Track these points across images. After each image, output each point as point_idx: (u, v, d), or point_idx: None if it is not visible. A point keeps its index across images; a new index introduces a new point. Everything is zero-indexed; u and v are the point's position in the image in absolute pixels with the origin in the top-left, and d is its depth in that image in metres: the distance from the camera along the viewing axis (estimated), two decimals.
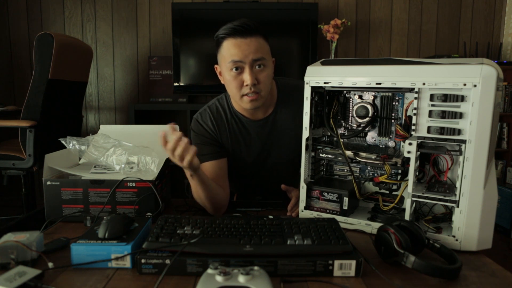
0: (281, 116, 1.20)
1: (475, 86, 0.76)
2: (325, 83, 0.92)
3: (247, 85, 1.07)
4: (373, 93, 0.98)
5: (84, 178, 0.99)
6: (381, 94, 0.97)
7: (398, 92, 0.95)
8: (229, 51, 1.06)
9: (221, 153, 1.17)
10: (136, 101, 2.97)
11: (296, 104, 1.19)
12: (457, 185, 0.81)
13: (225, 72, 1.10)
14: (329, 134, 1.04)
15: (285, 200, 1.10)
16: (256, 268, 0.60)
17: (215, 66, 1.18)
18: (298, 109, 1.19)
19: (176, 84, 2.71)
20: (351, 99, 1.02)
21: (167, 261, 0.68)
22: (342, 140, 0.99)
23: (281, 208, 1.07)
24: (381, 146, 1.00)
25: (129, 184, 0.96)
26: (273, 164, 1.21)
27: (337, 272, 0.68)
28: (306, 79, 0.94)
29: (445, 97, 0.79)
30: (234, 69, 1.07)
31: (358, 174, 1.02)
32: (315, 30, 2.68)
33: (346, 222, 0.93)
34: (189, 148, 0.89)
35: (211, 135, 1.19)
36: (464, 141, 0.78)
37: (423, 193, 0.83)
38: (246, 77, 1.06)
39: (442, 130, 0.80)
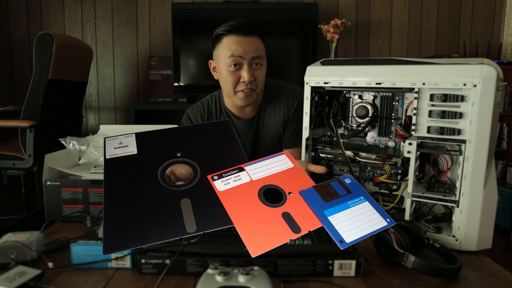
0: (264, 115, 1.24)
1: (475, 86, 0.76)
2: (325, 83, 0.92)
3: (243, 81, 1.11)
4: (373, 93, 0.98)
5: (84, 178, 0.98)
6: (381, 94, 0.97)
7: (398, 92, 0.95)
8: (230, 46, 1.10)
9: None
10: (136, 101, 2.97)
11: (277, 104, 1.25)
12: (457, 185, 0.81)
13: (222, 67, 1.13)
14: (329, 134, 1.04)
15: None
16: (256, 268, 0.60)
17: (210, 61, 1.21)
18: (277, 108, 1.23)
19: (176, 84, 2.71)
20: (351, 99, 1.02)
21: (167, 261, 0.68)
22: (342, 140, 0.99)
23: None
24: (381, 146, 1.00)
25: None
26: None
27: (337, 272, 0.68)
28: (306, 79, 0.94)
29: (445, 97, 0.79)
30: (233, 65, 1.10)
31: (358, 174, 1.02)
32: (315, 30, 2.68)
33: None
34: None
35: None
36: (464, 141, 0.78)
37: (423, 193, 0.83)
38: (244, 74, 1.10)
39: (442, 130, 0.80)
